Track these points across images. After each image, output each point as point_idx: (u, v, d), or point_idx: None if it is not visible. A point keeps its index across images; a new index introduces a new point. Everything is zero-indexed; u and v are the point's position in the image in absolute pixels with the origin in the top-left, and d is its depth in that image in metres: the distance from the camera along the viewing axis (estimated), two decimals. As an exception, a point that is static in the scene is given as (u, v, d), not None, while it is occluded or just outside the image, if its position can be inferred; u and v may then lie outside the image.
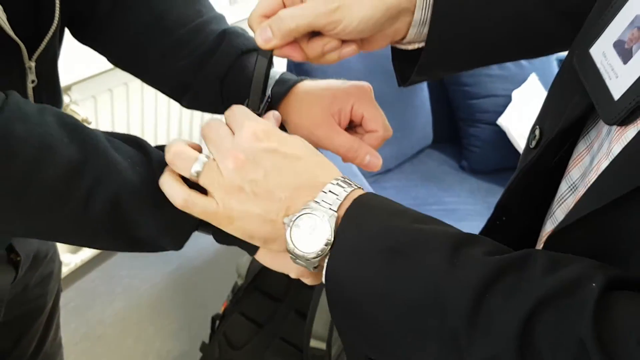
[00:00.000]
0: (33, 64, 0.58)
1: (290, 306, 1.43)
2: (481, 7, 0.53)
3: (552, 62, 2.06)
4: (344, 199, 0.42)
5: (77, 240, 0.50)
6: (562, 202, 0.45)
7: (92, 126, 1.42)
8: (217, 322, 1.48)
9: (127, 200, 0.45)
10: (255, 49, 0.59)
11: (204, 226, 0.49)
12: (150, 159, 0.48)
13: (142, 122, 1.64)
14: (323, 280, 0.43)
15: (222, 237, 0.49)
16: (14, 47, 0.55)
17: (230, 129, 0.46)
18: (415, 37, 0.54)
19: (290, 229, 0.42)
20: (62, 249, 1.65)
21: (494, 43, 0.56)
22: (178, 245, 0.49)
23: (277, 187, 0.43)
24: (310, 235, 0.42)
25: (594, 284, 0.34)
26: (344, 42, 0.52)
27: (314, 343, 1.33)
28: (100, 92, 1.45)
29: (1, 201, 0.42)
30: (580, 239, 0.39)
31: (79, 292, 1.74)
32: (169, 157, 0.46)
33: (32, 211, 0.44)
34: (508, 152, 1.86)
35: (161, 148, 0.49)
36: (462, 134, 1.98)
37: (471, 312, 0.35)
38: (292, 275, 0.50)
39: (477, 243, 0.39)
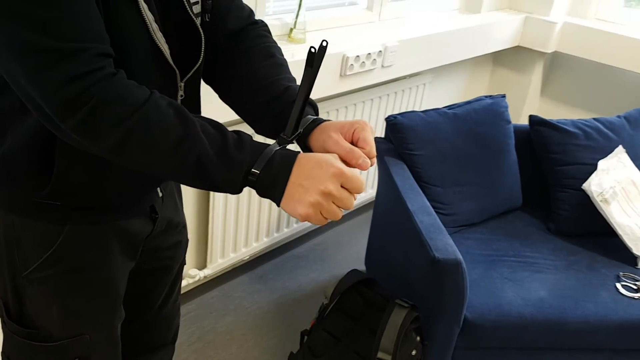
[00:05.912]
0: (182, 84, 0.86)
1: (366, 325, 1.63)
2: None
3: (645, 136, 2.13)
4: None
5: (176, 179, 0.78)
6: None
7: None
8: (305, 336, 1.72)
9: (205, 163, 0.72)
10: None
11: (250, 184, 0.74)
12: (225, 139, 0.74)
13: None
14: None
15: (262, 191, 0.75)
16: (172, 72, 0.83)
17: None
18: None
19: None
20: (190, 264, 2.01)
21: None
22: (233, 192, 0.75)
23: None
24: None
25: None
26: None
27: (381, 355, 1.51)
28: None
29: (138, 156, 0.72)
30: None
31: (200, 304, 2.08)
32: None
33: (153, 162, 0.72)
34: (593, 216, 1.94)
35: (234, 132, 0.76)
36: (550, 198, 2.09)
37: None
38: (301, 219, 0.73)
39: None
